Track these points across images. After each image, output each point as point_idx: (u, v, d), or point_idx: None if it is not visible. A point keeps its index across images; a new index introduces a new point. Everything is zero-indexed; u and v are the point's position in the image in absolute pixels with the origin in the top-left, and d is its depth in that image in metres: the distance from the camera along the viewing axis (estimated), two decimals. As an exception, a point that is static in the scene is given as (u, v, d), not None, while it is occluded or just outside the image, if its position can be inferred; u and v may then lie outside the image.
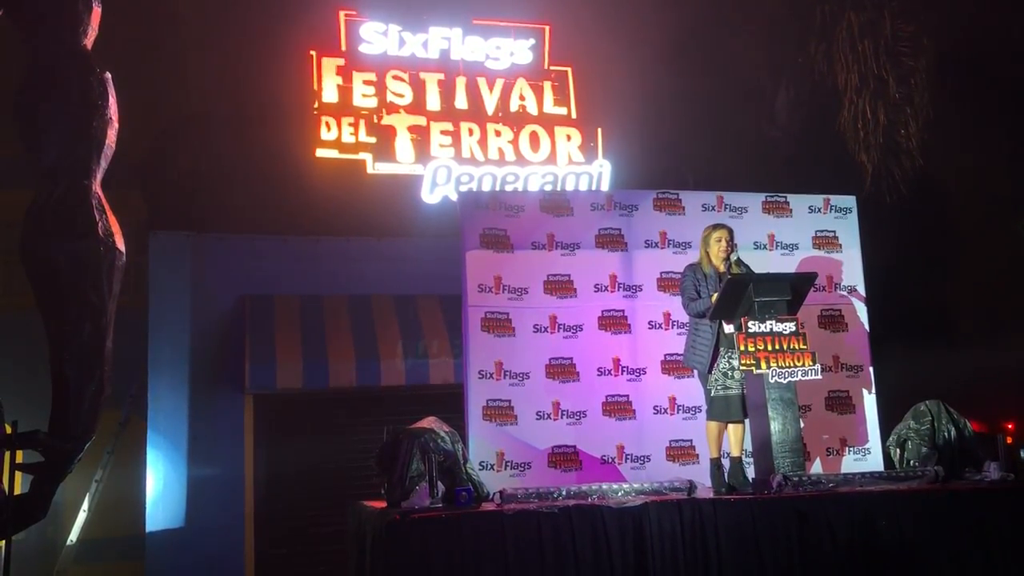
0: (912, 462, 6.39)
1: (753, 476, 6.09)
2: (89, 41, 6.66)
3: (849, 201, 7.70)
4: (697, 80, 12.23)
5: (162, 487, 8.92)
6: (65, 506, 9.68)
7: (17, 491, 6.44)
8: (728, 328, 6.08)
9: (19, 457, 6.25)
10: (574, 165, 11.11)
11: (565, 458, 6.72)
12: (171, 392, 9.01)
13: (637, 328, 7.04)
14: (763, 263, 7.06)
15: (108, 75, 6.68)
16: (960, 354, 10.65)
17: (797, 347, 5.91)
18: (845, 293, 7.45)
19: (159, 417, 8.97)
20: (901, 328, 9.86)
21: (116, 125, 6.64)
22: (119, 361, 7.03)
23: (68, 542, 9.80)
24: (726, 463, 6.24)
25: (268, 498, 9.08)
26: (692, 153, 11.69)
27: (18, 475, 6.44)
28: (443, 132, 10.66)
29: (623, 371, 6.97)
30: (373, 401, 9.41)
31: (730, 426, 6.24)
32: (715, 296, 6.07)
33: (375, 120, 10.46)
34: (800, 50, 11.82)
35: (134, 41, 10.82)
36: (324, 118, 10.34)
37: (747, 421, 6.17)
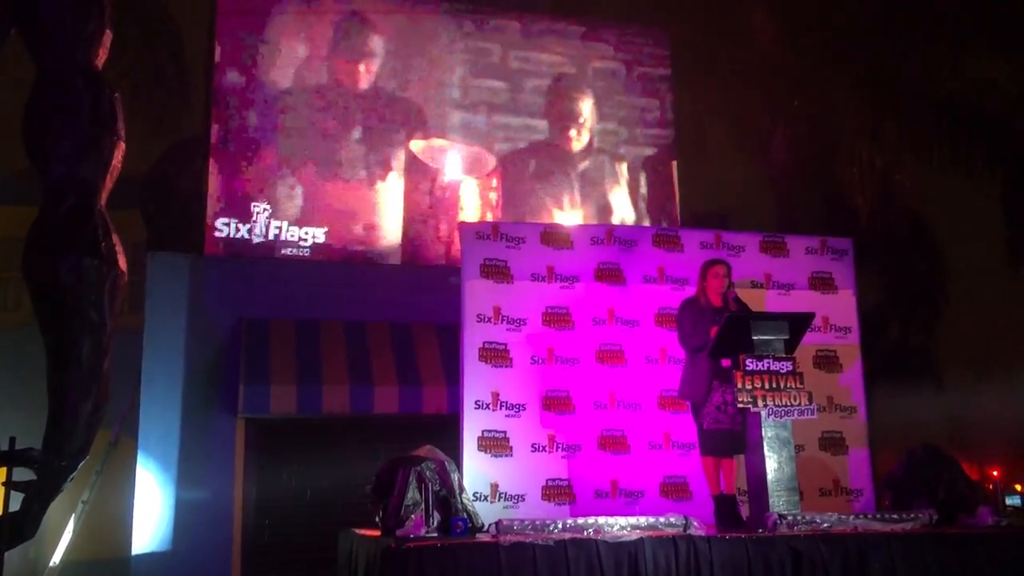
0: (905, 505, 6.40)
1: (747, 514, 6.11)
2: (100, 62, 6.73)
3: (845, 243, 7.81)
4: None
5: (149, 509, 8.83)
6: (50, 526, 9.56)
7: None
8: (725, 364, 6.12)
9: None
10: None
11: (559, 491, 6.72)
12: (163, 413, 8.95)
13: (634, 362, 7.08)
14: (760, 302, 7.14)
15: (117, 95, 6.74)
16: (950, 398, 10.73)
17: (794, 386, 5.94)
18: (840, 334, 7.51)
19: (150, 438, 8.90)
20: (893, 370, 9.95)
21: (123, 145, 6.68)
22: (112, 380, 7.01)
23: (51, 564, 9.68)
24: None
25: (257, 523, 9.01)
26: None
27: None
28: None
29: (619, 405, 7.00)
30: (366, 428, 9.38)
31: (722, 462, 6.26)
32: (713, 331, 6.10)
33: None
34: (798, 92, 12.00)
35: (139, 63, 10.93)
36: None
37: (738, 458, 6.20)
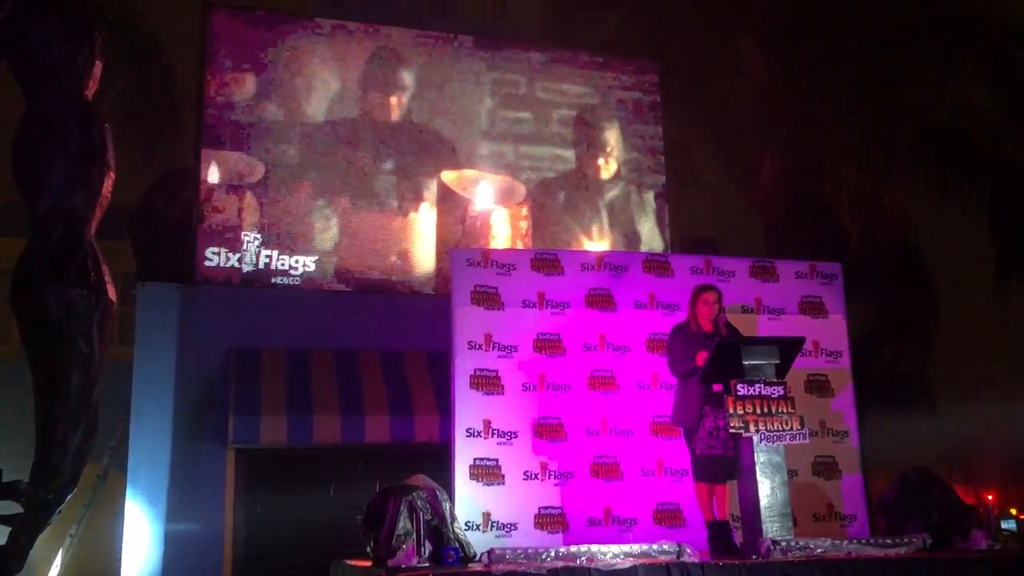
0: (899, 529, 6.38)
1: (741, 540, 6.07)
2: (90, 93, 6.75)
3: (835, 268, 7.84)
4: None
5: (138, 542, 8.74)
6: (37, 561, 9.44)
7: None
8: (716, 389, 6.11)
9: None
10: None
11: (551, 520, 6.68)
12: (153, 444, 8.87)
13: (626, 389, 7.06)
14: (751, 326, 7.14)
15: (107, 126, 6.76)
16: (943, 421, 10.72)
17: (785, 411, 5.93)
18: (831, 359, 7.52)
19: (139, 469, 8.81)
20: (886, 394, 9.94)
21: (113, 175, 6.69)
22: (101, 412, 6.96)
23: (39, 598, 9.57)
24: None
25: (248, 555, 8.91)
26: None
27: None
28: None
29: (611, 432, 6.98)
30: (357, 458, 9.31)
31: (716, 488, 6.23)
32: (700, 357, 6.10)
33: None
34: (785, 119, 12.09)
35: (129, 93, 10.95)
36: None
37: (731, 483, 6.18)
